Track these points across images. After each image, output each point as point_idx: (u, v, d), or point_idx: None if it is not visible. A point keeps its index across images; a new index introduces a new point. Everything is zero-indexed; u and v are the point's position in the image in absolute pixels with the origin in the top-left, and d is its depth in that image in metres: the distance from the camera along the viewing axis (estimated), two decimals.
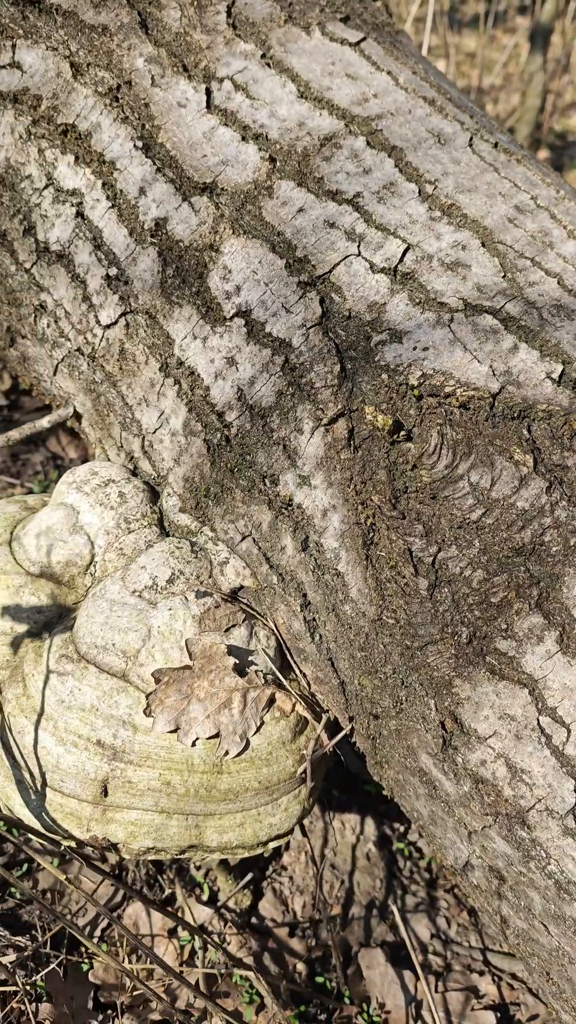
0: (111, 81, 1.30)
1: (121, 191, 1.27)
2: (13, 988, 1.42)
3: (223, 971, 1.51)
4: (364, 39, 1.36)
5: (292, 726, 1.17)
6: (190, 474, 1.25)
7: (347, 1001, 1.54)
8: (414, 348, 1.07)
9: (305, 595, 1.16)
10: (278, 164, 1.22)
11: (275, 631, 1.21)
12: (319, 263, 1.15)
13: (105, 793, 1.10)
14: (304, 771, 1.16)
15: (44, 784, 1.11)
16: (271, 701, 1.16)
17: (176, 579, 1.18)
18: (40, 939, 1.51)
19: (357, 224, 1.16)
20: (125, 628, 1.14)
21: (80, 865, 1.67)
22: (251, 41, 1.31)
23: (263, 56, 1.30)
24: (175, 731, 1.11)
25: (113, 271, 1.28)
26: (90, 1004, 1.47)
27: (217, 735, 1.12)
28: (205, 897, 1.64)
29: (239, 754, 1.13)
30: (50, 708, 1.12)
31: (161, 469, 1.29)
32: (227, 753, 1.12)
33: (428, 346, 1.07)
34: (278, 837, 1.17)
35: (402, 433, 1.04)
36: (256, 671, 1.16)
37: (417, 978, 1.56)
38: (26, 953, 1.48)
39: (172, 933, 1.59)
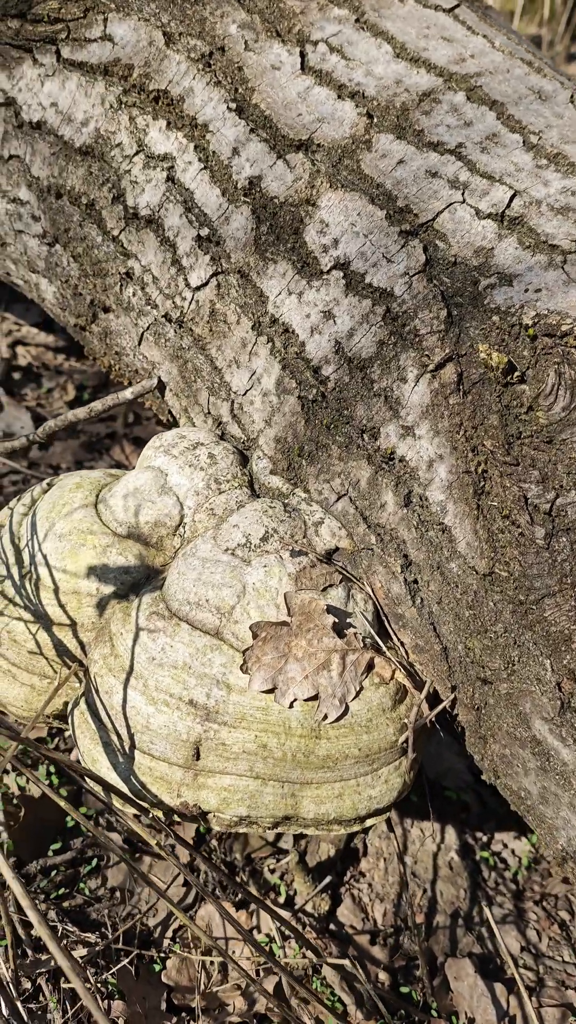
0: (204, 48, 1.30)
1: (214, 152, 1.26)
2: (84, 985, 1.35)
3: (316, 963, 1.43)
4: (457, 5, 1.34)
5: (392, 694, 1.10)
6: (282, 434, 1.21)
7: (434, 1014, 1.44)
8: (525, 290, 1.02)
9: (406, 555, 1.10)
10: (376, 119, 1.19)
11: (372, 596, 1.16)
12: (421, 212, 1.11)
13: (197, 756, 1.04)
14: (405, 741, 1.09)
15: (133, 747, 1.06)
16: (370, 666, 1.10)
17: (270, 537, 1.13)
18: (110, 936, 1.43)
19: (460, 172, 1.12)
20: (219, 584, 1.09)
21: (151, 863, 1.59)
22: (344, 7, 1.30)
23: (357, 20, 1.29)
24: (271, 691, 1.05)
25: (204, 231, 1.26)
26: (163, 1005, 1.38)
27: (315, 697, 1.06)
28: (282, 900, 1.56)
29: (338, 719, 1.06)
30: (140, 666, 1.07)
31: (251, 432, 1.25)
32: (326, 717, 1.05)
33: (540, 288, 1.02)
34: (376, 813, 1.09)
35: (515, 375, 0.99)
36: (355, 633, 1.10)
37: (509, 991, 1.45)
38: (96, 949, 1.40)
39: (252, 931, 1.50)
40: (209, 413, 1.31)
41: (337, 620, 1.08)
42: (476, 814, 1.77)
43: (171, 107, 1.30)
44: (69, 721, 1.14)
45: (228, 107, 1.26)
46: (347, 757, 1.06)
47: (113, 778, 1.06)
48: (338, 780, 1.06)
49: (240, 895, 1.58)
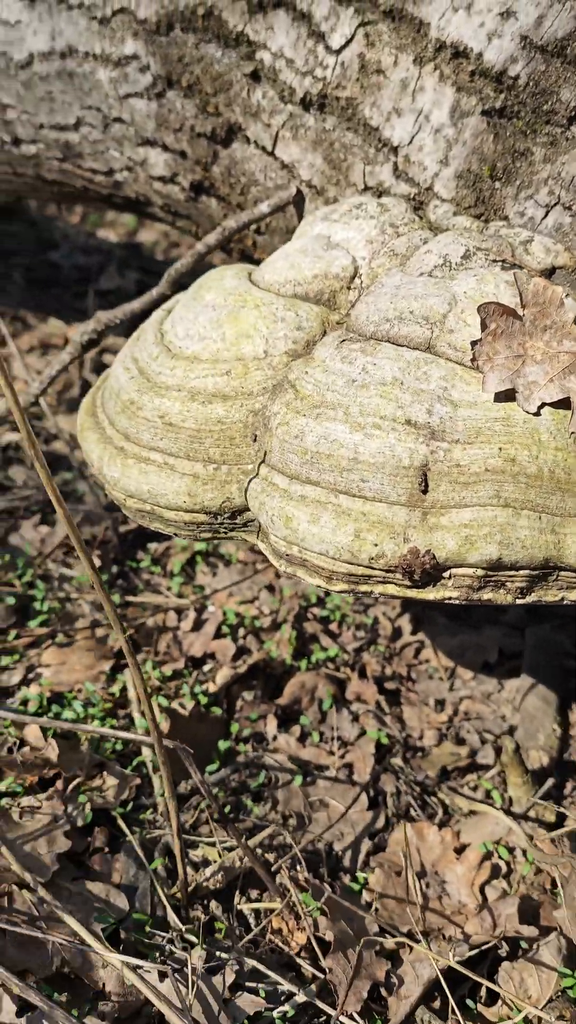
0: None
1: None
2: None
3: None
4: None
5: None
6: (464, 166, 1.02)
7: None
8: None
9: None
10: None
11: None
12: None
13: (425, 488, 0.81)
14: None
15: (337, 493, 0.83)
16: None
17: (472, 255, 0.93)
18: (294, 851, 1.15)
19: None
20: (422, 295, 0.88)
21: (328, 786, 1.31)
22: None
23: None
24: (509, 396, 0.82)
25: None
26: (372, 929, 1.08)
27: (566, 404, 0.82)
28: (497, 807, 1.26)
29: None
30: (336, 396, 0.85)
31: (423, 181, 1.07)
32: None
33: None
34: None
35: None
36: None
37: None
38: (277, 867, 1.12)
39: (459, 852, 1.20)
40: (367, 188, 1.14)
41: None
42: None
43: None
44: (247, 497, 0.91)
45: None
46: None
47: (314, 533, 0.83)
48: None
49: (439, 815, 1.28)
